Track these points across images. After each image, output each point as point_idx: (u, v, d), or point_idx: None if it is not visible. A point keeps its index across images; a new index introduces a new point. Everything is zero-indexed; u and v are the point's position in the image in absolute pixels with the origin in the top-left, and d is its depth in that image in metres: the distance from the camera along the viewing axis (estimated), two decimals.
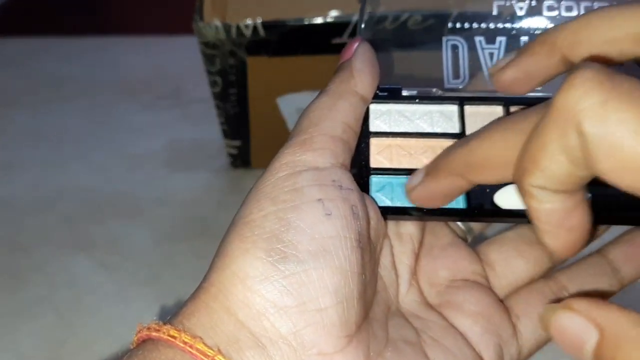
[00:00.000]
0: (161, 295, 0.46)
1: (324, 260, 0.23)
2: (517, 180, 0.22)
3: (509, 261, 0.31)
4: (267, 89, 0.47)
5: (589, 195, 0.28)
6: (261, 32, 0.43)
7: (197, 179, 0.56)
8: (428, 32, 0.33)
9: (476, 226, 0.33)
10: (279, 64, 0.45)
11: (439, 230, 0.31)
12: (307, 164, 0.26)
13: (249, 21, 0.42)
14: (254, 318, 0.23)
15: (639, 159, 0.18)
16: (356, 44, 0.30)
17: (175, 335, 0.22)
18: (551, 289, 0.30)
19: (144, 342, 0.23)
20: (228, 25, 0.42)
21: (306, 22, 0.42)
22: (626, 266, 0.31)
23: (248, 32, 0.43)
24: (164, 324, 0.23)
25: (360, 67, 0.29)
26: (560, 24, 0.25)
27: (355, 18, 0.42)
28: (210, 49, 0.44)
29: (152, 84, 0.67)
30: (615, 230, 0.31)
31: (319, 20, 0.42)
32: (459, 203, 0.28)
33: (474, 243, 0.33)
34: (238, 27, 0.42)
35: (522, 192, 0.22)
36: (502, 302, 0.30)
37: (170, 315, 0.24)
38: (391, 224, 0.30)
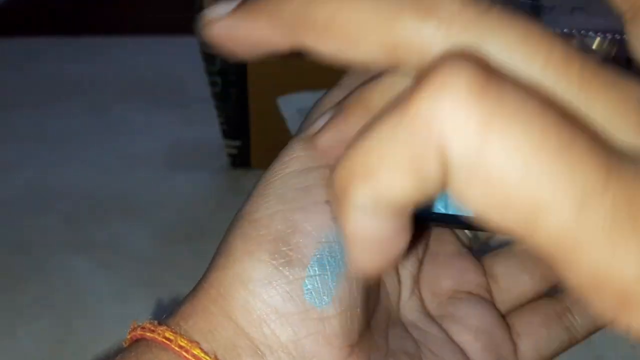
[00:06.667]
0: (161, 296, 0.46)
1: (330, 267, 0.23)
2: (336, 180, 0.16)
3: (514, 276, 0.30)
4: (267, 89, 0.47)
5: None
6: None
7: (197, 179, 0.56)
8: None
9: (482, 234, 0.33)
10: (279, 64, 0.45)
11: (445, 237, 0.31)
12: (318, 161, 0.24)
13: None
14: (254, 324, 0.22)
15: (519, 200, 0.13)
16: None
17: (171, 338, 0.21)
18: (555, 309, 0.30)
19: (137, 342, 0.22)
20: None
21: None
22: None
23: None
24: (160, 324, 0.22)
25: None
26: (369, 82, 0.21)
27: None
28: (211, 48, 0.44)
29: (152, 84, 0.67)
30: None
31: None
32: (469, 212, 0.28)
33: (479, 251, 0.33)
34: None
35: (338, 196, 0.16)
36: (504, 318, 0.29)
37: (166, 314, 0.23)
38: None
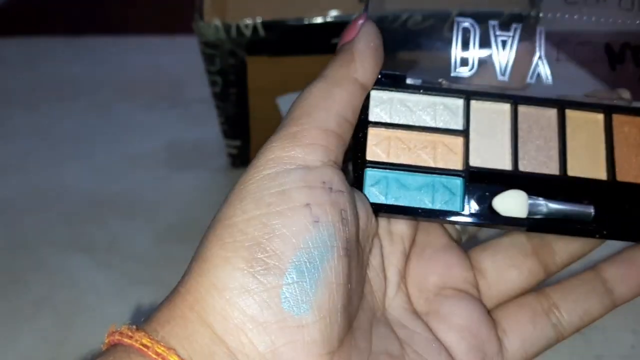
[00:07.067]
0: (161, 296, 0.46)
1: (308, 274, 0.22)
2: None
3: (502, 271, 0.30)
4: (267, 89, 0.47)
5: (592, 209, 0.27)
6: (261, 31, 0.43)
7: (197, 179, 0.56)
8: (437, 20, 0.32)
9: (472, 227, 0.33)
10: (279, 64, 0.45)
11: (433, 230, 0.30)
12: (296, 162, 0.24)
13: (248, 21, 0.42)
14: (232, 332, 0.22)
15: None
16: (360, 22, 0.27)
17: (148, 344, 0.21)
18: (542, 305, 0.29)
19: (115, 347, 0.22)
20: (228, 25, 0.42)
21: (306, 22, 0.42)
22: (621, 287, 0.29)
23: (248, 32, 0.43)
24: (137, 329, 0.22)
25: (363, 50, 0.26)
26: None
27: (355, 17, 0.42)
28: (210, 48, 0.44)
29: (152, 84, 0.67)
30: (610, 245, 0.30)
31: (319, 20, 0.42)
32: (455, 205, 0.27)
33: (467, 243, 0.32)
34: (238, 27, 0.42)
35: None
36: (490, 314, 0.29)
37: (144, 317, 0.23)
38: (383, 221, 0.28)
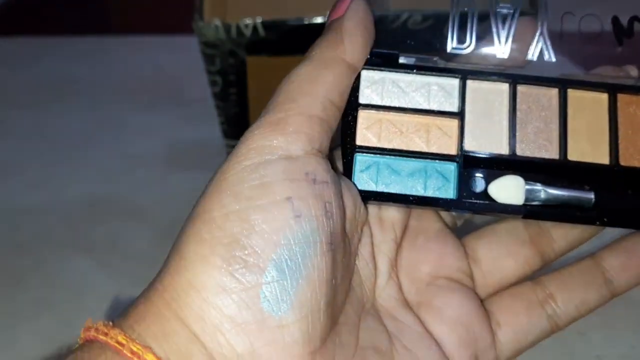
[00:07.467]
0: None
1: (289, 272, 0.21)
2: None
3: (498, 260, 0.29)
4: (267, 89, 0.47)
5: (592, 195, 0.26)
6: (261, 31, 0.43)
7: (197, 179, 0.56)
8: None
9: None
10: (279, 64, 0.45)
11: (426, 215, 0.29)
12: (278, 152, 0.23)
13: (248, 21, 0.42)
14: (209, 333, 0.21)
15: None
16: None
17: (124, 342, 0.21)
18: (537, 296, 0.28)
19: (91, 343, 0.21)
20: (228, 25, 0.42)
21: (306, 22, 0.42)
22: (621, 277, 0.28)
23: (248, 32, 0.43)
24: (113, 326, 0.21)
25: (352, 29, 0.25)
26: None
27: None
28: (210, 48, 0.44)
29: (152, 84, 0.67)
30: (608, 230, 0.28)
31: (319, 20, 0.42)
32: (449, 192, 0.26)
33: (463, 228, 0.31)
34: (238, 27, 0.42)
35: None
36: (484, 304, 0.28)
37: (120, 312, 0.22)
38: (373, 207, 0.27)
